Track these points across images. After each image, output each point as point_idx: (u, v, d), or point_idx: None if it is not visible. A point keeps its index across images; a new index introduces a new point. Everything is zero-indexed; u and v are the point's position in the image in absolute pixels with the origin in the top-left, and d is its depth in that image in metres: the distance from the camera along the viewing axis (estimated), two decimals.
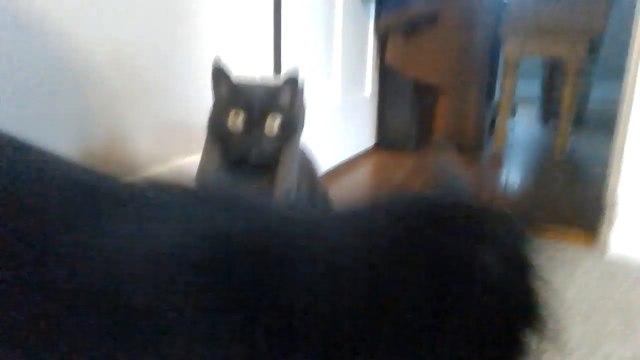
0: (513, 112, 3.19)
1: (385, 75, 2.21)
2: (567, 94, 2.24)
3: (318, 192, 0.99)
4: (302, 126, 0.83)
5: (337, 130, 1.89)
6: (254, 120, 0.72)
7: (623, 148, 1.14)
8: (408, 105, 2.21)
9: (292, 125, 0.76)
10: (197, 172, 0.74)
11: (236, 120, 0.72)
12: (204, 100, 1.16)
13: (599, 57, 2.89)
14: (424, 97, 2.28)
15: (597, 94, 3.67)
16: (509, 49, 2.22)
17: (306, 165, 0.90)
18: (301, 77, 0.79)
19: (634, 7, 1.15)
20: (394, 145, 2.27)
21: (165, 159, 1.15)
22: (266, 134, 0.73)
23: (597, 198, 1.23)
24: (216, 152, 0.74)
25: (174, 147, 1.17)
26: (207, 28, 1.20)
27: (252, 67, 1.31)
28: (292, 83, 0.77)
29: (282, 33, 1.39)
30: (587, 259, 1.11)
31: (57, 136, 0.87)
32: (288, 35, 1.44)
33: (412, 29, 2.10)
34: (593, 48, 2.41)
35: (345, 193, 1.61)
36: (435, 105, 2.42)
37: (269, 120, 0.73)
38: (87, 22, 0.87)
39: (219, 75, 0.76)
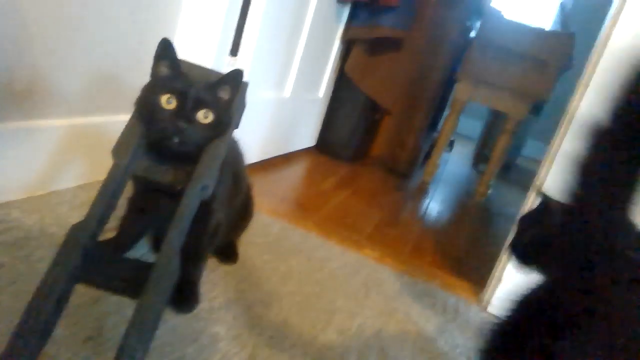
0: (450, 147, 3.33)
1: (342, 82, 2.23)
2: (500, 145, 2.38)
3: (241, 187, 0.99)
4: (237, 125, 0.82)
5: (282, 122, 1.89)
6: (184, 110, 0.71)
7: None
8: (355, 117, 2.24)
9: (223, 123, 0.75)
10: (116, 145, 0.72)
11: (168, 105, 0.71)
12: (139, 61, 1.12)
13: (540, 120, 3.08)
14: (372, 113, 2.32)
15: (528, 152, 3.92)
16: (458, 91, 2.32)
17: (233, 159, 0.90)
18: (245, 79, 0.79)
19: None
20: (331, 152, 2.30)
21: (91, 111, 1.10)
22: (194, 126, 0.72)
23: (491, 256, 1.31)
24: (139, 130, 0.72)
25: (100, 101, 1.12)
26: None
27: (209, 43, 1.28)
28: (235, 83, 0.76)
29: (247, 15, 1.36)
30: (467, 312, 1.19)
31: None
32: (254, 19, 1.42)
33: (376, 46, 2.13)
34: (536, 110, 2.56)
35: (270, 188, 1.62)
36: (380, 124, 2.48)
37: (200, 114, 0.72)
38: None
39: (164, 54, 0.74)
